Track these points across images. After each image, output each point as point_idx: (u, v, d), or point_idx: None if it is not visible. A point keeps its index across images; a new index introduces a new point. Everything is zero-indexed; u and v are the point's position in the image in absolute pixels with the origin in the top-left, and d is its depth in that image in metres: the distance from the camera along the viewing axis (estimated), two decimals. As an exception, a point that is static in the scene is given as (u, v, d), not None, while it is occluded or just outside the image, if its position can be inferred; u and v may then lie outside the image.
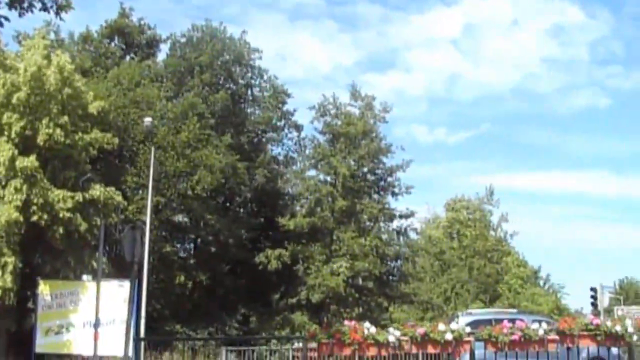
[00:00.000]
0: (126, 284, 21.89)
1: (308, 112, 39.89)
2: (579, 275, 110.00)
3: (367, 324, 13.19)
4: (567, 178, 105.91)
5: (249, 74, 41.94)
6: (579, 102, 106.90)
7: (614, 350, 17.73)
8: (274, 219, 38.21)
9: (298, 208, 39.12)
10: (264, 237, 38.92)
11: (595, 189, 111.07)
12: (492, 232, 59.98)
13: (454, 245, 56.06)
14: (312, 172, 39.22)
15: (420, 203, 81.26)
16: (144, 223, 30.36)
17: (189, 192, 34.96)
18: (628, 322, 13.91)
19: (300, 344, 13.26)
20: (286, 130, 43.06)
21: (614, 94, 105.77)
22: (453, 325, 13.66)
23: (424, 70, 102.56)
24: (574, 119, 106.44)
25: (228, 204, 40.56)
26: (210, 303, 36.34)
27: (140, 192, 34.40)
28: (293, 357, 26.33)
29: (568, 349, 14.45)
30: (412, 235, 42.13)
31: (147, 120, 32.08)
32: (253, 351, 28.25)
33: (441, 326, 13.43)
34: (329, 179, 38.12)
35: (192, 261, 38.22)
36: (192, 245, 40.82)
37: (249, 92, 42.47)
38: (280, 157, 43.17)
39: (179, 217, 37.68)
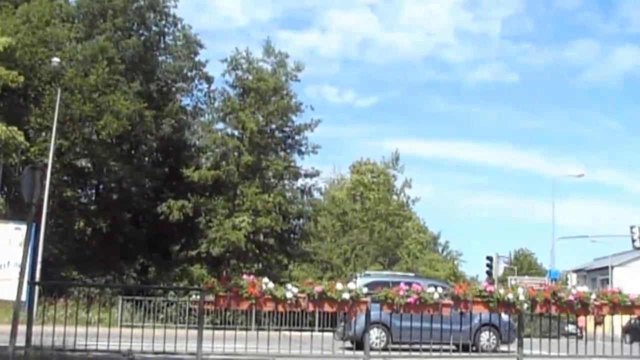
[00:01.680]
0: (23, 227, 21.77)
1: (220, 64, 40.19)
2: (477, 244, 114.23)
3: (265, 279, 13.51)
4: (471, 149, 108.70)
5: (163, 22, 41.41)
6: (487, 75, 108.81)
7: (505, 317, 18.83)
8: (179, 169, 37.95)
9: (203, 160, 39.11)
10: (167, 188, 38.51)
11: (497, 160, 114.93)
12: (395, 197, 61.02)
13: (357, 207, 56.81)
14: (219, 125, 39.49)
15: (326, 163, 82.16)
16: (46, 165, 29.86)
17: (94, 137, 34.82)
18: (520, 290, 14.58)
19: (198, 297, 13.40)
20: (196, 82, 42.87)
21: (522, 70, 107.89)
22: (351, 285, 14.09)
23: (339, 31, 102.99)
24: (481, 92, 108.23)
25: (133, 152, 40.32)
26: (109, 251, 36.02)
27: (44, 134, 33.98)
28: (190, 309, 26.55)
29: (461, 313, 15.13)
30: (316, 194, 42.99)
31: (55, 60, 31.60)
32: (150, 301, 27.51)
33: (339, 285, 13.78)
34: (236, 133, 38.16)
35: (92, 207, 38.28)
36: (93, 191, 40.79)
37: (162, 40, 41.96)
38: (189, 108, 43.02)
39: (82, 162, 37.44)
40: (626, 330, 32.57)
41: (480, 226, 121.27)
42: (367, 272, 28.21)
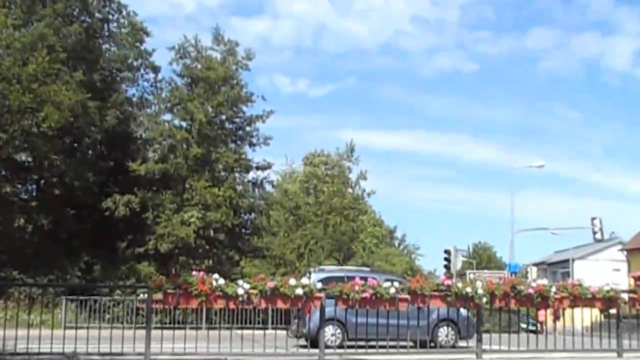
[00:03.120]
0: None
1: (167, 53, 39.77)
2: (435, 237, 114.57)
3: (216, 276, 13.39)
4: (428, 139, 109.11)
5: (107, 8, 40.58)
6: (445, 63, 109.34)
7: (463, 311, 18.92)
8: (124, 163, 37.59)
9: (150, 153, 38.73)
10: (112, 182, 38.08)
11: (454, 151, 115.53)
12: (349, 190, 61.12)
13: (310, 200, 56.70)
14: (167, 117, 39.10)
15: (278, 155, 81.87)
16: (-17, 160, 29.38)
17: (34, 130, 33.82)
18: (478, 284, 14.66)
19: (146, 295, 13.24)
20: (142, 71, 42.24)
21: (481, 59, 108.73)
22: (304, 281, 14.10)
23: (292, 18, 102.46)
24: (439, 81, 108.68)
25: (76, 145, 39.50)
26: (51, 249, 35.40)
27: (-20, 127, 35.36)
28: (137, 308, 26.32)
29: (419, 308, 15.21)
30: (268, 188, 42.77)
31: (-10, 49, 32.14)
32: (95, 301, 26.96)
33: (292, 281, 13.75)
34: (184, 124, 37.85)
35: (33, 203, 37.44)
36: (34, 186, 39.98)
37: (106, 27, 41.19)
38: (135, 99, 42.34)
39: (22, 156, 36.80)
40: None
41: (438, 219, 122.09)
42: (321, 267, 27.66)
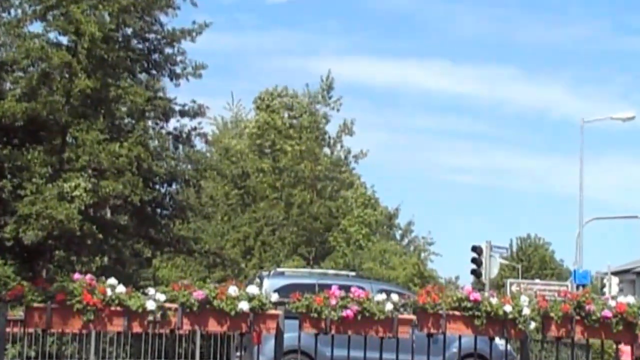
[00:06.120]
0: None
1: None
2: (458, 228, 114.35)
3: (112, 281, 13.27)
4: (452, 73, 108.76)
5: None
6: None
7: (500, 343, 18.76)
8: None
9: (9, 85, 36.88)
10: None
11: (494, 93, 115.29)
12: (326, 150, 61.38)
13: (265, 165, 56.82)
14: (36, 27, 36.72)
15: (216, 94, 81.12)
16: None
17: None
18: (524, 300, 14.49)
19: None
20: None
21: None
22: (252, 290, 13.94)
23: None
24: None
25: None
26: None
27: None
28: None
29: (429, 335, 15.11)
30: (199, 145, 41.08)
31: None
32: None
33: (233, 289, 13.65)
34: (65, 41, 35.95)
35: None
36: None
37: None
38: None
39: None
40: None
41: (464, 200, 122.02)
42: (279, 269, 27.68)
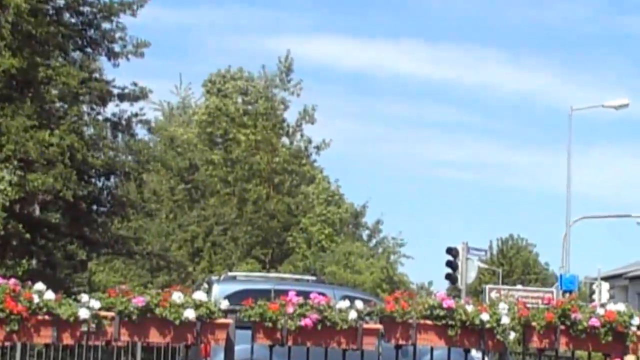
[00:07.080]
0: None
1: None
2: (432, 227, 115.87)
3: (39, 286, 13.69)
4: (428, 55, 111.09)
5: None
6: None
7: (477, 355, 19.45)
8: None
9: None
10: None
11: (476, 79, 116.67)
12: (285, 140, 62.16)
13: (216, 157, 57.56)
14: None
15: (160, 76, 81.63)
16: None
17: None
18: (503, 307, 15.08)
19: None
20: None
21: None
22: (199, 296, 14.41)
23: None
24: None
25: None
26: None
27: None
28: None
29: (398, 347, 15.65)
30: (141, 133, 42.70)
31: None
32: None
33: (177, 295, 14.06)
34: None
35: None
36: None
37: None
38: None
39: None
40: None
41: (439, 196, 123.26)
42: (231, 273, 28.27)
